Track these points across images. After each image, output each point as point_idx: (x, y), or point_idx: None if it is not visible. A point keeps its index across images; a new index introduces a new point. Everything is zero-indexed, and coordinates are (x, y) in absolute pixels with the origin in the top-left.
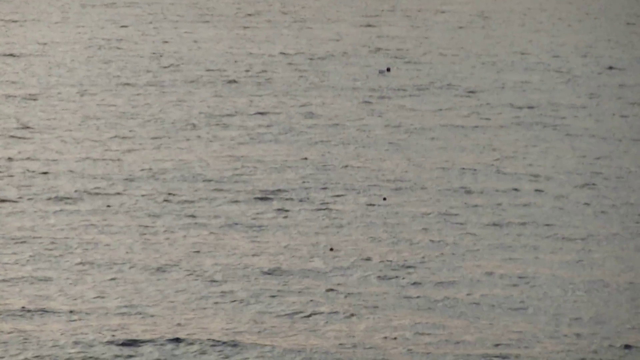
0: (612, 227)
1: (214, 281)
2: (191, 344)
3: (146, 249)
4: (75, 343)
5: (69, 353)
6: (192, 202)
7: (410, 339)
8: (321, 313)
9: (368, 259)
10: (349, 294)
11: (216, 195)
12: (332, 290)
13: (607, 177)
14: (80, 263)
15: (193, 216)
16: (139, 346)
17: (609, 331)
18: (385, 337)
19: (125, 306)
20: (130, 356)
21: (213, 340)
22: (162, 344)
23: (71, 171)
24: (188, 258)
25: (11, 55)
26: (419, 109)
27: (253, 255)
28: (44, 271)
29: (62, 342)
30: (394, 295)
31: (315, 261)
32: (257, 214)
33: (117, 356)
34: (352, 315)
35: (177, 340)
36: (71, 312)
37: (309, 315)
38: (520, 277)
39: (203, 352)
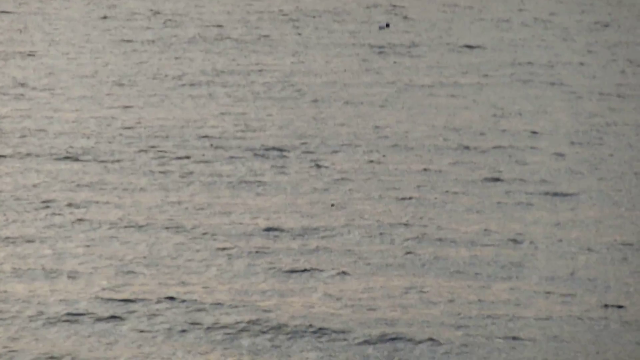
0: (608, 185)
1: (209, 239)
2: (184, 302)
3: (140, 207)
4: (65, 302)
5: (59, 312)
6: (189, 159)
7: (405, 297)
8: (315, 271)
9: (364, 217)
10: (344, 252)
11: (214, 152)
12: (327, 248)
13: (604, 134)
14: (73, 222)
15: (190, 173)
16: (132, 304)
17: (602, 291)
18: (380, 296)
19: (118, 265)
20: (123, 314)
21: (207, 298)
22: (155, 303)
23: (67, 129)
24: (183, 216)
25: (6, 12)
26: (417, 65)
27: (249, 212)
28: (36, 230)
29: (52, 301)
30: (389, 253)
31: (311, 219)
32: (255, 171)
33: (109, 314)
34: (346, 273)
35: (171, 298)
36: (62, 271)
37: (303, 272)
38: (516, 234)
39: (197, 310)
